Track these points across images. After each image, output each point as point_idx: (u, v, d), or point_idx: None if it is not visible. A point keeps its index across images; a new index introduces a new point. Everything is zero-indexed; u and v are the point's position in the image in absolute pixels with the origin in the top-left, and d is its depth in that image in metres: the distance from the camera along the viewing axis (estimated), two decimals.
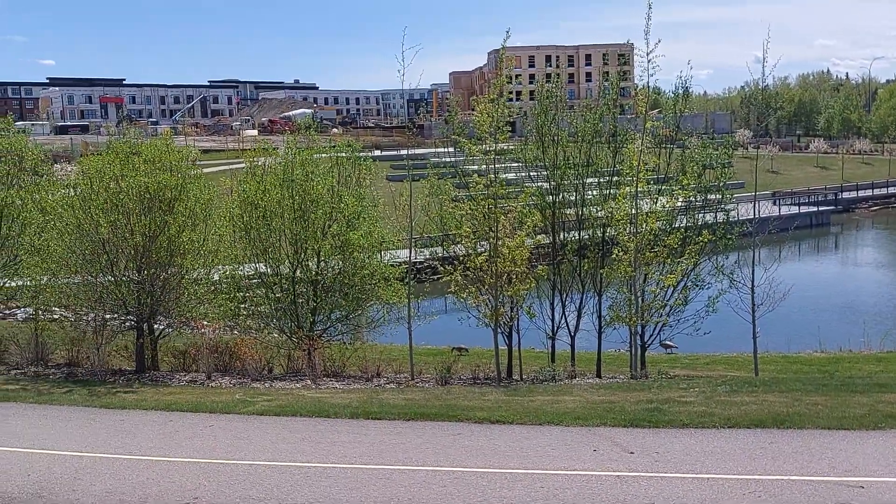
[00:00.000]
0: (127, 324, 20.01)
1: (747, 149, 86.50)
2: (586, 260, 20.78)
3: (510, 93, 19.57)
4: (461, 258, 18.62)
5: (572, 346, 21.04)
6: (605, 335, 20.73)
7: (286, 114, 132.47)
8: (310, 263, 20.89)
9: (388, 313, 21.60)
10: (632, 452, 11.67)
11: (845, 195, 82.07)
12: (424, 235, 22.12)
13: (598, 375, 19.56)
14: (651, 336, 20.09)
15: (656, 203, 19.92)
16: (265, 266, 21.15)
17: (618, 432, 12.64)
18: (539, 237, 20.62)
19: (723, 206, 20.96)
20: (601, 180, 21.38)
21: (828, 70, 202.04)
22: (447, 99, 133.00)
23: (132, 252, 18.87)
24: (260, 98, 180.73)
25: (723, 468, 10.87)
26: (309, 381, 17.77)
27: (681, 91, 21.39)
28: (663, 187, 20.50)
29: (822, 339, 27.09)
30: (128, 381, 18.04)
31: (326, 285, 20.98)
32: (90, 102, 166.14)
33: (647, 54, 17.62)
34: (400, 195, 20.96)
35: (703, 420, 12.91)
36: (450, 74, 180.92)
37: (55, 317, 22.71)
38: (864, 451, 11.35)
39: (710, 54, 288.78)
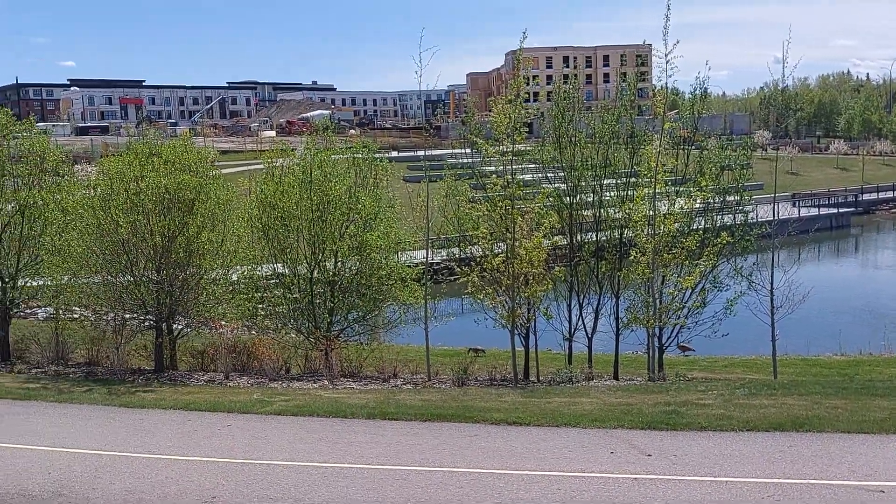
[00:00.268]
0: (146, 323, 20.16)
1: (766, 150, 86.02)
2: (604, 261, 20.71)
3: (527, 93, 19.52)
4: (478, 259, 18.60)
5: (589, 347, 20.98)
6: (622, 337, 20.64)
7: (304, 115, 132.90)
8: (327, 264, 20.97)
9: (405, 314, 21.63)
10: (649, 455, 11.63)
11: (866, 197, 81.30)
12: (441, 236, 22.13)
13: (616, 377, 19.48)
14: (669, 338, 20.00)
15: (674, 205, 19.83)
16: (283, 266, 21.24)
17: (635, 434, 12.60)
18: (556, 238, 20.56)
19: (741, 207, 20.82)
20: (619, 181, 21.30)
21: (848, 71, 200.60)
22: (464, 100, 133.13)
23: (151, 252, 19.01)
24: (278, 99, 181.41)
25: (741, 471, 10.81)
26: (326, 382, 17.83)
27: (699, 92, 21.28)
28: (681, 189, 20.40)
29: (841, 341, 26.83)
30: (147, 381, 18.18)
31: (344, 286, 21.05)
32: (110, 103, 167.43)
33: (666, 55, 17.53)
34: (417, 196, 20.96)
35: (721, 423, 12.84)
36: (467, 75, 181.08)
37: (75, 316, 22.93)
38: (884, 456, 11.25)
39: (728, 55, 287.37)
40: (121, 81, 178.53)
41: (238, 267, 20.99)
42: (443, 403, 14.94)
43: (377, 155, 23.63)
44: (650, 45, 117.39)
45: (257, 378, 18.32)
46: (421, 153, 72.18)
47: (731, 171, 20.65)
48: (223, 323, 22.70)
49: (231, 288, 20.70)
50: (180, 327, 20.87)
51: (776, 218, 18.63)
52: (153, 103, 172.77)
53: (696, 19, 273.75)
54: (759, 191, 50.67)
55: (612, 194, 21.21)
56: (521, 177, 18.78)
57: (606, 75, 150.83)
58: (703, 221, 20.04)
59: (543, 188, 21.24)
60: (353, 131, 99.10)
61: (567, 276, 20.58)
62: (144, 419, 14.75)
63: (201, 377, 18.72)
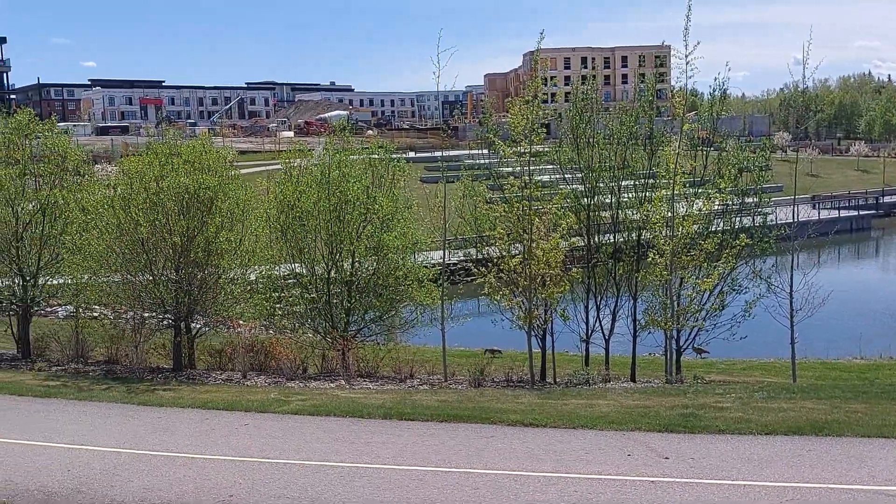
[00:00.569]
0: (165, 322, 20.30)
1: (786, 152, 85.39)
2: (621, 263, 20.64)
3: (545, 94, 19.47)
4: (495, 260, 18.59)
5: (606, 349, 20.91)
6: (639, 339, 20.58)
7: (322, 115, 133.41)
8: (344, 264, 21.04)
9: (422, 314, 21.67)
10: (666, 458, 11.58)
11: (887, 199, 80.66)
12: (458, 237, 22.14)
13: (633, 379, 19.41)
14: (686, 340, 19.91)
15: (693, 206, 19.72)
16: (301, 266, 21.32)
17: (652, 437, 12.55)
18: (574, 240, 20.51)
19: (760, 209, 20.69)
20: (637, 183, 21.22)
21: (869, 72, 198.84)
22: (482, 101, 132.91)
23: (171, 252, 19.13)
24: (296, 100, 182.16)
25: (759, 475, 10.73)
26: (343, 382, 17.87)
27: (718, 93, 21.17)
28: (700, 190, 20.29)
29: (861, 345, 26.61)
30: (165, 379, 18.30)
31: (361, 286, 21.11)
32: (130, 104, 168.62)
33: (686, 56, 17.45)
34: (434, 196, 20.99)
35: (739, 426, 12.76)
36: (484, 76, 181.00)
37: (95, 315, 23.11)
38: None
39: (747, 56, 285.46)
40: (141, 82, 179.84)
41: (256, 266, 21.10)
42: (459, 404, 14.93)
43: (394, 156, 23.68)
44: (669, 46, 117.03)
45: (274, 377, 18.40)
46: (438, 154, 72.25)
47: (750, 173, 20.52)
48: (241, 322, 22.81)
49: (249, 287, 20.80)
50: (198, 326, 20.99)
51: (796, 220, 18.49)
52: (172, 104, 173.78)
53: (714, 20, 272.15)
54: (779, 193, 50.34)
55: (630, 196, 21.14)
56: (539, 178, 18.75)
57: (624, 76, 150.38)
58: (721, 223, 19.92)
59: (561, 189, 21.18)
60: (370, 132, 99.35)
61: (584, 278, 20.53)
62: (163, 417, 14.84)
63: (219, 376, 18.82)
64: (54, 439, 13.55)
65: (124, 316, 21.06)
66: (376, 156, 22.67)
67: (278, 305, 21.66)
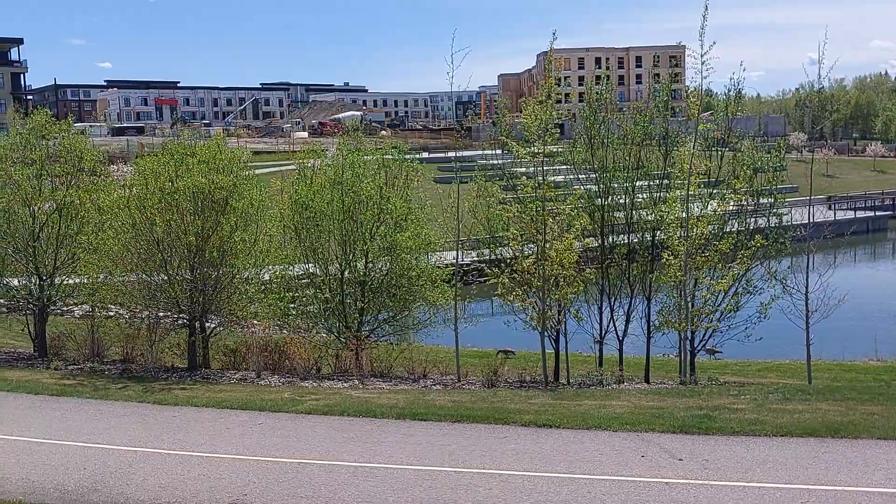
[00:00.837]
0: (179, 322, 20.42)
1: (802, 152, 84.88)
2: (635, 264, 20.58)
3: (559, 94, 19.47)
4: (508, 261, 18.57)
5: (620, 350, 20.86)
6: (653, 340, 20.51)
7: (336, 116, 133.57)
8: (358, 264, 21.09)
9: (435, 315, 21.67)
10: (680, 459, 11.54)
11: None
12: (472, 237, 22.14)
13: (647, 380, 19.35)
14: (701, 342, 19.83)
15: (707, 207, 19.64)
16: (314, 266, 21.38)
17: (666, 438, 12.51)
18: (587, 240, 20.48)
19: (776, 210, 20.57)
20: (651, 183, 21.16)
21: (885, 72, 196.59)
22: (495, 101, 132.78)
23: (185, 251, 19.23)
24: (310, 100, 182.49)
25: (774, 477, 10.68)
26: (356, 381, 17.92)
27: (733, 93, 21.06)
28: (715, 191, 20.20)
29: (878, 347, 26.42)
30: (180, 378, 18.40)
31: (374, 286, 21.16)
32: (146, 104, 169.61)
33: (701, 56, 17.35)
34: (447, 197, 20.99)
35: (754, 428, 12.70)
36: (498, 76, 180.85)
37: (111, 314, 23.29)
38: None
39: (762, 56, 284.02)
40: (156, 82, 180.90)
41: (270, 266, 21.18)
42: (472, 405, 14.94)
43: (408, 156, 23.71)
44: (684, 45, 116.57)
45: (288, 377, 18.47)
46: (451, 154, 72.18)
47: (766, 174, 20.41)
48: (255, 322, 22.90)
49: (263, 287, 20.89)
50: (213, 326, 21.10)
51: (811, 221, 18.36)
52: (187, 104, 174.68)
53: (730, 20, 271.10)
54: (794, 193, 50.03)
55: (645, 196, 21.07)
56: (553, 178, 18.72)
57: (639, 76, 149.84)
58: (736, 224, 19.83)
59: (575, 190, 21.15)
60: (384, 132, 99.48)
61: (598, 279, 20.47)
62: (178, 416, 14.93)
63: (233, 375, 18.91)
64: (70, 438, 13.66)
65: (140, 315, 21.20)
66: (390, 156, 22.71)
67: (292, 305, 21.73)
